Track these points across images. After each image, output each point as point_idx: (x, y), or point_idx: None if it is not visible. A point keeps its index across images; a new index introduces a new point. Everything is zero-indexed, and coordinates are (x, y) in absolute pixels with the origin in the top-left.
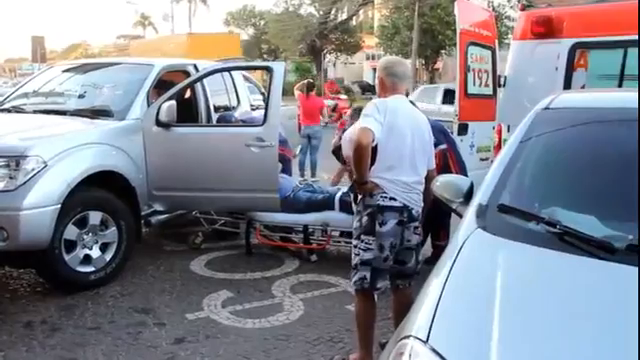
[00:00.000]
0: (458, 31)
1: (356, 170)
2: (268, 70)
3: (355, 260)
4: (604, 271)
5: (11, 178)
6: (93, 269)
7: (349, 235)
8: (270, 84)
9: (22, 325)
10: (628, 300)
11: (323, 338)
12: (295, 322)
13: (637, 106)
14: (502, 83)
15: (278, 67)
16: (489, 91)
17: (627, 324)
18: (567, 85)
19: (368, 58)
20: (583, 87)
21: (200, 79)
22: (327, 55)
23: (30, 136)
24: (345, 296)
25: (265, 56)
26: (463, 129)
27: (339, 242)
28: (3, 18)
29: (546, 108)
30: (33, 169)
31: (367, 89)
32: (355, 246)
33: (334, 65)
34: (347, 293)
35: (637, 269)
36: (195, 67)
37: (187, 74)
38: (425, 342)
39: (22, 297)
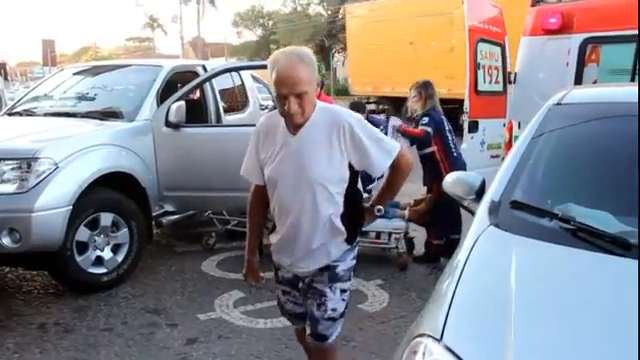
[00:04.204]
0: (466, 28)
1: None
2: None
3: (343, 308)
4: (619, 267)
5: (23, 180)
6: (105, 270)
7: (362, 234)
8: None
9: (36, 327)
10: None
11: None
12: None
13: (637, 101)
14: (512, 79)
15: None
16: (499, 88)
17: None
18: (578, 80)
19: None
20: (595, 82)
21: (209, 79)
22: (336, 54)
23: (41, 138)
24: (356, 295)
25: None
26: (473, 126)
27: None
28: (14, 22)
29: (558, 104)
30: (44, 171)
31: None
32: (346, 290)
33: (342, 64)
34: (358, 292)
35: None
36: (204, 68)
37: (196, 75)
38: (439, 340)
39: (35, 299)
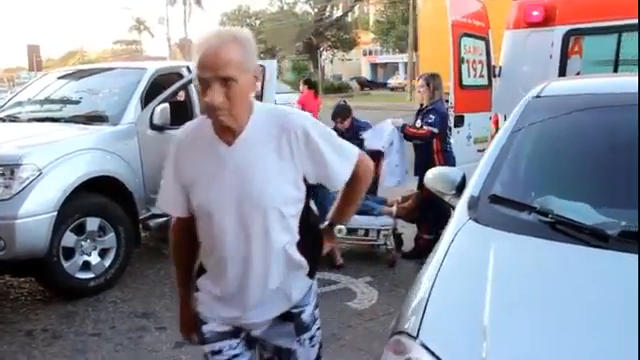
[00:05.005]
0: (449, 23)
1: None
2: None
3: (315, 354)
4: (598, 259)
5: (6, 187)
6: (93, 275)
7: (352, 231)
8: (263, 81)
9: (23, 334)
10: (624, 288)
11: (324, 335)
12: None
13: (637, 91)
14: (497, 73)
15: (270, 65)
16: (484, 82)
17: (624, 313)
18: (562, 73)
19: (365, 54)
20: (578, 74)
21: (192, 81)
22: (324, 52)
23: (24, 144)
24: (346, 293)
25: (262, 55)
26: (459, 121)
27: (342, 240)
28: (0, 28)
29: (537, 96)
30: (28, 177)
31: (365, 85)
32: (315, 336)
33: (331, 62)
34: (348, 290)
35: (635, 256)
36: (188, 69)
37: (180, 76)
38: (415, 338)
39: (23, 306)
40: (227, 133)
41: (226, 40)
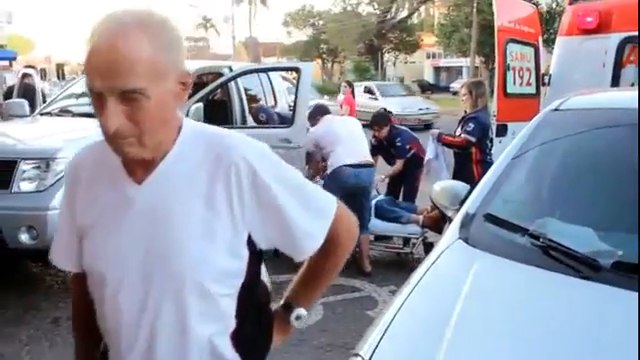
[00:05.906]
0: (496, 28)
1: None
2: (296, 71)
3: None
4: (585, 291)
5: (41, 179)
6: None
7: (382, 238)
8: (298, 84)
9: (49, 321)
10: (609, 328)
11: (336, 344)
12: (311, 326)
13: (637, 107)
14: (546, 82)
15: (306, 68)
16: (531, 90)
17: (602, 354)
18: (615, 82)
19: (429, 57)
20: (632, 85)
21: (229, 81)
22: (386, 54)
23: (61, 139)
24: (368, 301)
25: (324, 56)
26: (502, 130)
27: (371, 247)
28: (79, 24)
29: (555, 109)
30: (62, 170)
31: (427, 88)
32: None
33: (394, 64)
34: (370, 298)
35: (630, 293)
36: (230, 69)
37: (222, 76)
38: None
39: (54, 293)
40: (138, 165)
41: (127, 27)
